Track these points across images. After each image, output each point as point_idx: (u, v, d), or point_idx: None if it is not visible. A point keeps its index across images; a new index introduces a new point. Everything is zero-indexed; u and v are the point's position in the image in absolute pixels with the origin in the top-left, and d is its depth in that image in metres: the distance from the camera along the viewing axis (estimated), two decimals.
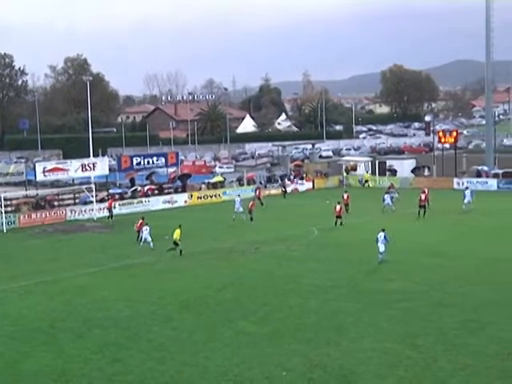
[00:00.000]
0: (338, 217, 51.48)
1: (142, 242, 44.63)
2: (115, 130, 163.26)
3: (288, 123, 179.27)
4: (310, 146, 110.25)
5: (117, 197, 66.42)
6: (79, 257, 43.54)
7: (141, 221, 46.27)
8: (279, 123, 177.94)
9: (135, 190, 69.88)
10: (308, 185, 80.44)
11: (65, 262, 41.76)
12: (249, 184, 77.53)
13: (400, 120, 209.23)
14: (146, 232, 44.52)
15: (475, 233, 48.11)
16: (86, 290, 34.43)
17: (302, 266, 38.14)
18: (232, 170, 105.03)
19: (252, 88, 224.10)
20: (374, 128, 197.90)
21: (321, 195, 71.65)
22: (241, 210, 55.82)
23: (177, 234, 41.91)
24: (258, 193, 67.17)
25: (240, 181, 78.99)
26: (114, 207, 60.84)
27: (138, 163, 73.69)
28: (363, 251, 41.69)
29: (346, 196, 58.42)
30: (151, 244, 44.10)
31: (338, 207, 52.04)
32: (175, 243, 41.97)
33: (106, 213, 61.33)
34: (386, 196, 59.04)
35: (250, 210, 55.47)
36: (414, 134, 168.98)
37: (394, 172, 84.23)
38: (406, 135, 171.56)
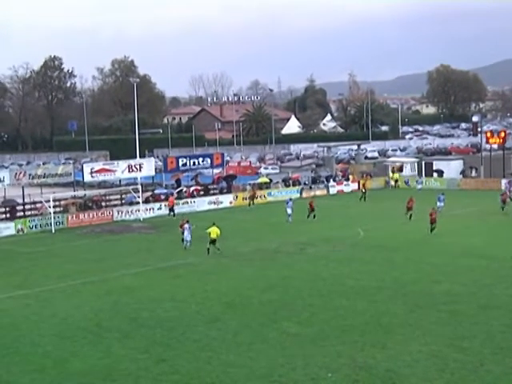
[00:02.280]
0: (432, 222, 47.83)
1: (185, 242, 44.87)
2: (161, 131, 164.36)
3: (333, 124, 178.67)
4: (355, 147, 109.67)
5: (162, 197, 66.95)
6: (125, 257, 43.92)
7: (184, 221, 46.35)
8: (324, 124, 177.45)
9: (181, 190, 70.36)
10: (353, 186, 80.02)
11: (111, 262, 42.15)
12: (294, 185, 77.47)
13: (447, 120, 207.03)
14: (186, 232, 44.79)
15: None
16: (132, 290, 34.71)
17: (347, 268, 37.93)
18: (277, 170, 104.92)
19: (297, 89, 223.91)
20: (420, 129, 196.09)
21: (366, 196, 71.14)
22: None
23: (214, 232, 41.83)
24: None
25: (285, 182, 78.92)
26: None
27: (184, 164, 74.10)
28: (409, 252, 41.32)
29: (410, 199, 55.66)
30: (188, 244, 44.50)
31: (432, 212, 48.33)
32: (212, 241, 41.73)
33: (152, 213, 61.90)
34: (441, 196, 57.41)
35: (311, 209, 56.09)
36: (459, 136, 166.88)
37: (440, 173, 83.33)
38: (453, 136, 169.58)
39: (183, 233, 45.73)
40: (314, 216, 55.70)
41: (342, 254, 42.15)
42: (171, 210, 61.76)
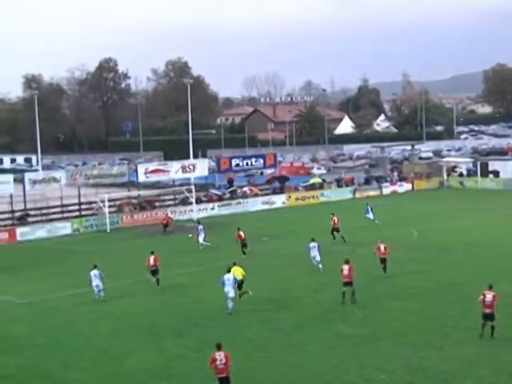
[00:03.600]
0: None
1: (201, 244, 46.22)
2: (214, 131, 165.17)
3: (387, 124, 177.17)
4: (409, 147, 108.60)
5: (215, 198, 67.30)
6: (179, 257, 44.31)
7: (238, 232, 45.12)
8: (378, 124, 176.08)
9: (234, 190, 70.53)
10: (407, 186, 79.25)
11: (165, 262, 42.35)
12: (347, 185, 77.07)
13: (503, 120, 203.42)
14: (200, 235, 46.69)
15: None
16: (186, 289, 35.02)
17: (401, 268, 37.54)
18: (330, 171, 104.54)
19: (350, 89, 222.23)
20: (475, 128, 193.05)
21: (420, 197, 70.49)
22: (370, 216, 53.85)
23: (237, 272, 32.00)
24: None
25: (338, 182, 78.55)
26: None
27: (237, 164, 74.39)
28: (464, 253, 40.78)
29: None
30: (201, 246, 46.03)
31: None
32: (239, 285, 31.96)
33: (204, 213, 62.32)
34: None
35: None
36: None
37: (496, 174, 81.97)
38: (509, 136, 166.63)
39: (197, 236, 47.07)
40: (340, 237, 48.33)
41: (396, 254, 41.71)
42: (166, 227, 55.96)
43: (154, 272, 36.03)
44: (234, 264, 32.41)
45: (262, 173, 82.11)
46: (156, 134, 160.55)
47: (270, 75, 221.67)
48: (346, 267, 31.19)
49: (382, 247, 36.11)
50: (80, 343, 27.06)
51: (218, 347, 20.93)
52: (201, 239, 46.71)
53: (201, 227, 47.22)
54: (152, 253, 36.97)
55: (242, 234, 44.11)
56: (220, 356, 20.70)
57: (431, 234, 48.43)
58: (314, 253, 37.95)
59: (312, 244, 38.04)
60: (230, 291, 29.88)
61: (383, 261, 35.98)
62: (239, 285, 31.79)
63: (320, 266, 37.65)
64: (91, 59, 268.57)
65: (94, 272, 34.00)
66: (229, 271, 30.81)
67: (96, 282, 33.74)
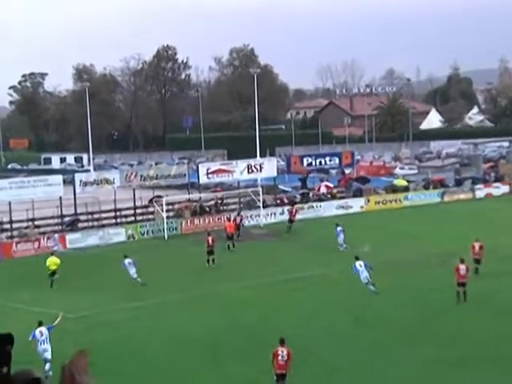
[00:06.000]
0: None
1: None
2: (284, 127, 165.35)
3: (480, 117, 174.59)
4: (506, 144, 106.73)
5: (286, 201, 67.33)
6: (244, 267, 44.49)
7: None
8: (470, 118, 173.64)
9: (306, 193, 70.08)
10: (504, 188, 77.90)
11: (228, 273, 42.74)
12: (435, 187, 76.06)
13: None
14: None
15: None
16: (251, 304, 35.11)
17: (495, 282, 36.97)
18: (415, 171, 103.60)
19: (438, 78, 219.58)
20: None
21: None
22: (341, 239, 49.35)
23: None
24: None
25: (425, 184, 77.53)
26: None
27: (309, 164, 74.16)
28: None
29: None
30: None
31: None
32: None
33: (273, 219, 62.34)
34: None
35: None
36: None
37: None
38: None
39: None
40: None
41: (491, 266, 41.09)
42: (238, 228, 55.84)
43: (210, 252, 43.76)
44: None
45: (343, 172, 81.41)
46: (219, 130, 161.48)
47: (347, 63, 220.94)
48: (462, 267, 33.62)
49: (477, 246, 38.53)
50: (134, 363, 27.39)
51: (282, 342, 21.21)
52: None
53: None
54: (209, 234, 45.32)
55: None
56: (282, 352, 20.99)
57: None
58: (365, 273, 36.42)
59: (358, 263, 36.63)
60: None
61: (477, 261, 38.38)
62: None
63: (372, 287, 36.06)
64: (148, 47, 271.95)
65: (128, 260, 40.10)
66: None
67: (132, 270, 39.70)
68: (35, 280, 42.05)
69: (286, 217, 62.26)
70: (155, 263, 47.06)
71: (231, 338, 29.89)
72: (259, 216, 62.48)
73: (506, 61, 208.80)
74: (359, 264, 36.92)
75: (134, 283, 40.05)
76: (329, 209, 67.30)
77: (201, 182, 66.22)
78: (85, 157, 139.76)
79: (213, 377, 25.45)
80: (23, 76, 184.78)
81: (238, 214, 59.05)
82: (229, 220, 55.47)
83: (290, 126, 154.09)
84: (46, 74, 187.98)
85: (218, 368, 26.39)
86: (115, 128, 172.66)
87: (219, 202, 66.02)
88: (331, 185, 73.15)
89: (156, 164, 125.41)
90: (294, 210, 58.82)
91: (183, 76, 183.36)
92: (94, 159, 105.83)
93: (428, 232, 53.74)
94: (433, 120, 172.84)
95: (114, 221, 61.58)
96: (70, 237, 55.85)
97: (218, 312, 34.16)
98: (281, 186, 70.39)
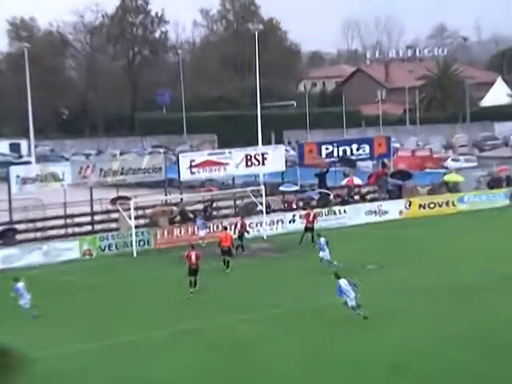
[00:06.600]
0: None
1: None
2: (295, 103, 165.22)
3: None
4: None
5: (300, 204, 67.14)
6: (240, 294, 44.50)
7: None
8: None
9: (326, 194, 69.61)
10: None
11: (218, 303, 42.64)
12: (499, 186, 75.82)
13: None
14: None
15: None
16: (249, 345, 34.95)
17: None
18: (474, 163, 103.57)
19: (506, 37, 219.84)
20: None
21: None
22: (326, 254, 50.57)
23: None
24: None
25: (490, 181, 77.18)
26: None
27: (330, 153, 73.87)
28: None
29: None
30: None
31: None
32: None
33: (279, 229, 62.25)
34: None
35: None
36: None
37: None
38: None
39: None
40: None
41: None
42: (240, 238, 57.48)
43: (194, 272, 44.01)
44: None
45: (384, 164, 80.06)
46: (207, 108, 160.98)
47: (381, 19, 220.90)
48: None
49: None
50: None
51: None
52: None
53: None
54: (192, 247, 45.33)
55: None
56: None
57: None
58: (352, 294, 37.07)
59: (342, 282, 37.24)
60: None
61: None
62: None
63: (361, 312, 36.93)
64: None
65: (22, 284, 40.70)
66: None
67: (26, 298, 40.39)
68: None
69: (297, 226, 61.83)
70: (119, 289, 47.09)
71: None
72: (261, 224, 62.35)
73: None
74: (344, 283, 37.24)
75: (34, 315, 40.37)
76: (356, 215, 67.24)
77: (182, 178, 66.20)
78: (23, 143, 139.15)
79: None
80: None
81: (240, 216, 59.90)
82: (225, 229, 55.26)
83: (303, 102, 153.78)
84: None
85: None
86: (65, 105, 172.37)
87: (209, 206, 65.53)
88: (360, 181, 72.83)
89: (121, 154, 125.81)
90: (311, 214, 58.70)
91: (158, 34, 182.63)
92: (36, 147, 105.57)
93: (494, 246, 53.61)
94: (499, 94, 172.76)
95: (63, 231, 61.54)
96: (2, 253, 55.65)
97: (202, 354, 34.07)
98: (283, 187, 69.27)
